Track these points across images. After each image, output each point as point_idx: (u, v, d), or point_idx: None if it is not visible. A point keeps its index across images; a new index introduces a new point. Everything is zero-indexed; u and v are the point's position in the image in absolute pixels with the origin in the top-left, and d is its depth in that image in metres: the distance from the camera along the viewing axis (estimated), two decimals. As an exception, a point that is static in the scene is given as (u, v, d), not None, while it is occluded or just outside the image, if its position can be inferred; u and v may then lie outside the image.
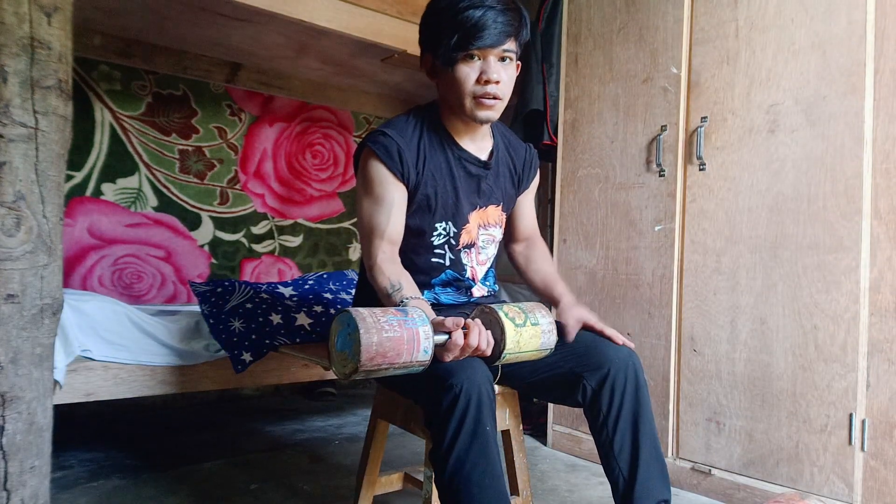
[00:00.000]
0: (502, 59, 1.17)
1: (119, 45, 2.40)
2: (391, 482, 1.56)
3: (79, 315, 1.77)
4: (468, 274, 1.33)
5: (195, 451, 2.12)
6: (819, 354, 1.60)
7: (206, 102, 2.83)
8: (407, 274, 1.19)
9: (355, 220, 3.28)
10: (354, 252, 3.34)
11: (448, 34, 1.13)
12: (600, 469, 1.17)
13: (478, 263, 1.35)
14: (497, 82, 1.16)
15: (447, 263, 1.30)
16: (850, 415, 1.54)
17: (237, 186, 2.93)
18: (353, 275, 2.60)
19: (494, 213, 1.35)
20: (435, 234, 1.28)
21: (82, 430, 2.33)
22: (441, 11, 1.16)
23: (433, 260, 1.29)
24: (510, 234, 1.47)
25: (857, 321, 1.53)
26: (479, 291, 1.37)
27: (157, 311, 2.18)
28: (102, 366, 1.81)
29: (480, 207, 1.32)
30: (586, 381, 1.15)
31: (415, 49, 2.29)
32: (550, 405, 2.26)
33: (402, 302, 1.10)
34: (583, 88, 2.20)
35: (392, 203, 1.20)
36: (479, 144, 1.31)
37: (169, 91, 2.73)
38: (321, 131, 3.20)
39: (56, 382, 1.68)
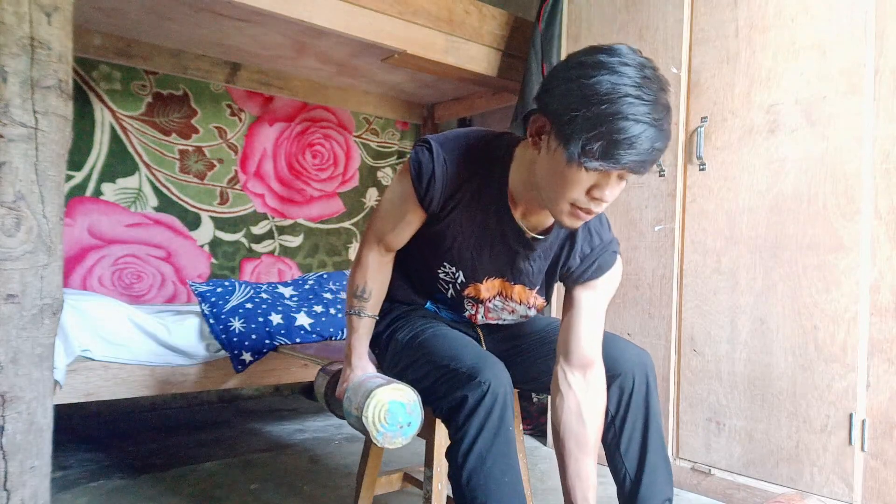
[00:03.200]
0: (622, 177, 0.93)
1: (119, 45, 2.40)
2: (391, 482, 1.56)
3: (79, 315, 1.78)
4: (466, 315, 1.25)
5: (195, 451, 2.12)
6: (819, 354, 1.60)
7: (206, 102, 2.83)
8: (382, 289, 1.21)
9: (355, 220, 3.29)
10: (354, 252, 3.34)
11: (591, 132, 0.85)
12: (600, 469, 1.17)
13: (483, 315, 1.24)
14: (607, 202, 0.95)
15: (448, 298, 1.22)
16: (850, 415, 1.54)
17: (237, 186, 2.93)
18: (353, 275, 2.60)
19: (522, 292, 1.18)
20: (441, 269, 1.18)
21: (82, 430, 2.33)
22: (597, 98, 0.85)
23: (437, 285, 1.21)
24: (560, 348, 1.15)
25: (857, 321, 1.53)
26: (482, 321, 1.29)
27: (157, 311, 2.18)
28: (102, 366, 1.81)
29: (507, 280, 1.16)
30: None
31: (414, 49, 2.30)
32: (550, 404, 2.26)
33: (355, 313, 1.18)
34: (583, 88, 2.19)
35: (403, 218, 1.12)
36: (538, 220, 1.10)
37: (169, 91, 2.73)
38: (321, 131, 3.20)
39: (56, 382, 1.68)
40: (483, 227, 1.09)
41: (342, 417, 1.21)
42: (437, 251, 1.15)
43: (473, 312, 1.23)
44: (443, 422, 1.08)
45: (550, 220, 1.10)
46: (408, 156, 1.14)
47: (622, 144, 0.85)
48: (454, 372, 1.04)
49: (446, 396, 1.04)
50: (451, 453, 1.03)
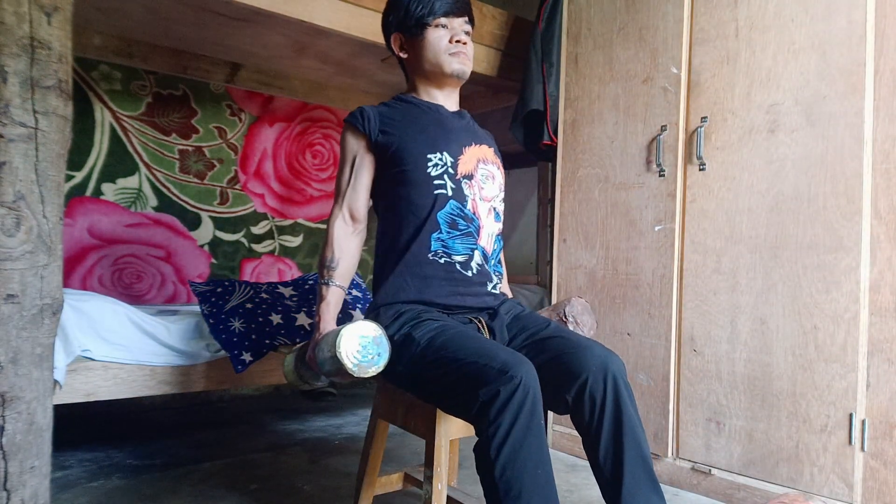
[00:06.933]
0: (465, 30, 1.37)
1: (119, 45, 2.40)
2: (391, 482, 1.56)
3: (79, 315, 1.77)
4: (469, 206, 1.32)
5: (195, 451, 2.12)
6: (819, 354, 1.60)
7: (206, 102, 2.84)
8: (350, 259, 1.34)
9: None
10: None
11: (416, 9, 1.34)
12: (586, 464, 1.17)
13: (480, 199, 1.35)
14: (465, 42, 1.36)
15: (449, 193, 1.31)
16: (850, 415, 1.54)
17: (237, 186, 2.93)
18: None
19: (489, 152, 1.42)
20: (430, 164, 1.31)
21: (82, 430, 2.33)
22: None
23: (435, 192, 1.30)
24: None
25: (857, 321, 1.53)
26: (486, 239, 1.34)
27: (157, 311, 2.18)
28: (102, 366, 1.81)
29: (475, 144, 1.39)
30: (566, 394, 1.14)
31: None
32: None
33: (325, 282, 1.30)
34: (583, 88, 2.20)
35: (353, 159, 1.36)
36: (451, 106, 1.44)
37: (169, 91, 2.73)
38: (321, 131, 3.20)
39: (56, 382, 1.68)
40: (427, 118, 1.37)
41: (312, 385, 1.32)
42: (416, 150, 1.31)
43: (473, 197, 1.33)
44: (469, 418, 1.07)
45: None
46: None
47: (436, 2, 1.32)
48: (485, 368, 1.04)
49: (475, 392, 1.04)
50: (482, 447, 1.03)
